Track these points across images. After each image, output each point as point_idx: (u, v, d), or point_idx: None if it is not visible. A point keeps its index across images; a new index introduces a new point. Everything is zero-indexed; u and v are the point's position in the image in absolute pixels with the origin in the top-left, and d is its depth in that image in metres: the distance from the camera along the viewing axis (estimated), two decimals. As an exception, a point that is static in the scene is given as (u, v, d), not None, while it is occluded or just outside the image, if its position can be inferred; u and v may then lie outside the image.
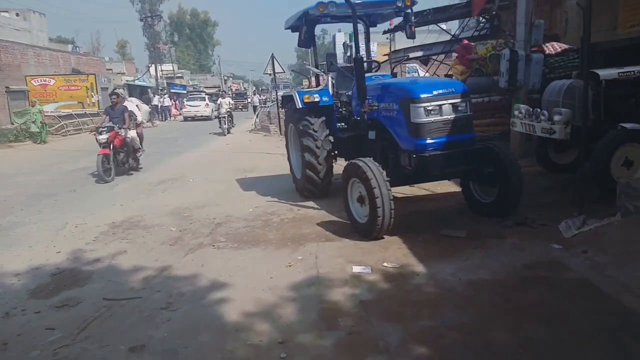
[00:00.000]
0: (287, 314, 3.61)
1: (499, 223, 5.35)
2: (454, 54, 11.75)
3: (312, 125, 6.79)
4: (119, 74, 48.06)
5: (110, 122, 9.99)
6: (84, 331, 3.56)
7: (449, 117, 5.07)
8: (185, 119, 32.77)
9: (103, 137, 9.73)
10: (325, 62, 8.16)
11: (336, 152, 7.20)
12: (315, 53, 7.68)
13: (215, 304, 3.87)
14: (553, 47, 9.03)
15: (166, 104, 33.78)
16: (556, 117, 5.89)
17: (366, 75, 6.69)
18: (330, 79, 7.35)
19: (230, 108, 20.52)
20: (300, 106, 6.85)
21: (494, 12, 10.32)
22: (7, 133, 19.68)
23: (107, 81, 40.70)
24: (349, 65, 7.83)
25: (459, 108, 5.12)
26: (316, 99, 6.82)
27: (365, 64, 7.40)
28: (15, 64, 33.71)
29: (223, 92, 25.71)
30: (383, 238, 5.12)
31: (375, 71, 7.26)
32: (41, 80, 33.89)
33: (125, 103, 10.83)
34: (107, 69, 49.40)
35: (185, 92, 55.94)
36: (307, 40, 6.80)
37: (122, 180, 9.84)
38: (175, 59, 79.56)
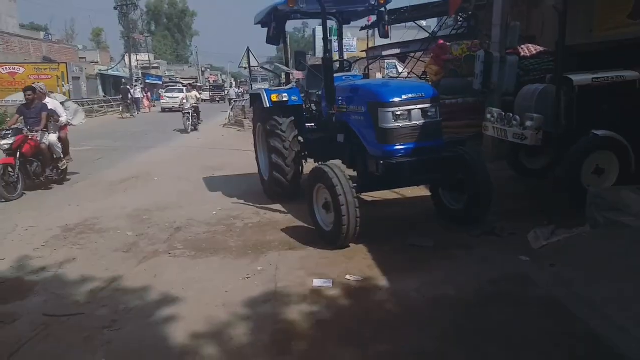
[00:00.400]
0: (239, 335, 3.37)
1: (467, 232, 5.19)
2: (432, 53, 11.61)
3: (280, 126, 6.54)
4: (92, 63, 46.91)
5: (22, 124, 8.21)
6: (16, 354, 3.26)
7: (418, 122, 4.87)
8: (163, 110, 32.31)
9: (6, 143, 7.81)
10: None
11: (306, 153, 6.96)
12: (285, 50, 7.41)
13: (163, 323, 3.60)
14: (528, 50, 8.94)
15: (137, 95, 32.59)
16: (528, 123, 5.76)
17: (337, 75, 6.47)
18: (301, 77, 7.09)
19: (197, 103, 19.10)
20: (268, 105, 6.58)
21: (470, 12, 10.17)
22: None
23: (79, 70, 39.68)
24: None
25: (429, 113, 4.93)
26: (285, 99, 6.56)
27: (337, 64, 7.20)
28: (-18, 52, 32.57)
29: (188, 85, 24.50)
30: (349, 247, 4.91)
31: (348, 70, 7.04)
32: (10, 68, 32.87)
33: (47, 100, 8.81)
34: (81, 58, 48.21)
35: (160, 82, 54.90)
36: (276, 37, 6.51)
37: (81, 178, 9.43)
38: (152, 48, 78.10)
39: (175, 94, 32.42)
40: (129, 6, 41.21)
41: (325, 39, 5.62)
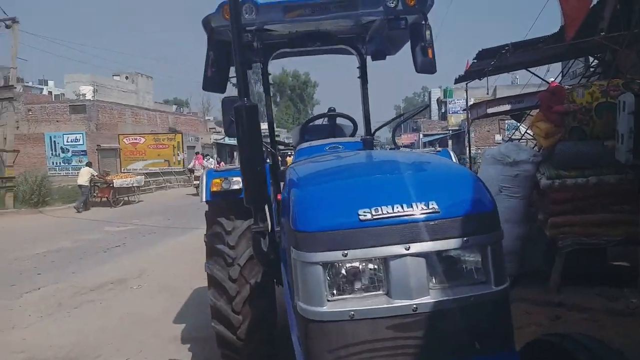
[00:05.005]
0: None
1: None
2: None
3: (227, 237, 3.59)
4: (215, 132, 49.20)
5: None
6: None
7: (415, 302, 1.56)
8: None
9: None
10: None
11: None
12: (268, 105, 4.54)
13: None
14: None
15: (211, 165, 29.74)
16: None
17: (316, 143, 3.45)
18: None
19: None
20: (205, 198, 3.72)
21: (602, 33, 6.51)
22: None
23: (195, 140, 41.34)
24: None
25: (458, 264, 1.61)
26: (234, 186, 3.63)
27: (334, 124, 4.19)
28: (112, 123, 35.21)
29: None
30: None
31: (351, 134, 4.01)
32: (132, 139, 34.78)
33: None
34: (211, 128, 51.08)
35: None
36: (219, 78, 3.66)
37: (63, 277, 7.29)
38: (274, 118, 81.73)
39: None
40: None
41: (238, 77, 2.57)
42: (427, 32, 3.51)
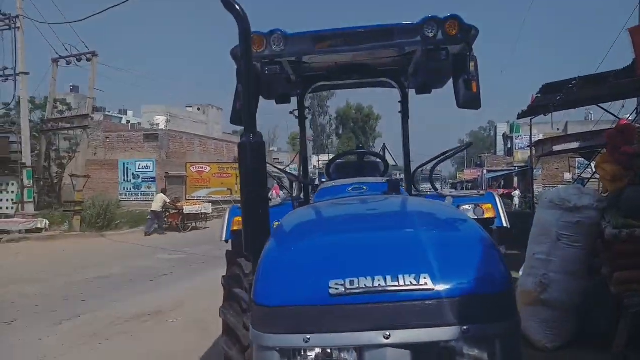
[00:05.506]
0: None
1: None
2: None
3: (245, 279, 3.35)
4: (278, 163, 50.24)
5: None
6: None
7: None
8: None
9: None
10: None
11: None
12: (302, 141, 4.38)
13: None
14: None
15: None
16: None
17: (340, 183, 3.20)
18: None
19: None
20: (225, 238, 3.54)
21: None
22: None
23: (257, 169, 42.23)
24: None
25: (453, 358, 1.24)
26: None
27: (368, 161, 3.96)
28: (182, 152, 36.73)
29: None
30: None
31: (384, 174, 3.72)
32: (198, 167, 36.00)
33: None
34: (275, 159, 52.46)
35: (334, 181, 56.13)
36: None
37: (103, 305, 7.34)
38: (337, 150, 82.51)
39: None
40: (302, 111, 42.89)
41: (246, 107, 2.31)
42: (472, 64, 3.21)
